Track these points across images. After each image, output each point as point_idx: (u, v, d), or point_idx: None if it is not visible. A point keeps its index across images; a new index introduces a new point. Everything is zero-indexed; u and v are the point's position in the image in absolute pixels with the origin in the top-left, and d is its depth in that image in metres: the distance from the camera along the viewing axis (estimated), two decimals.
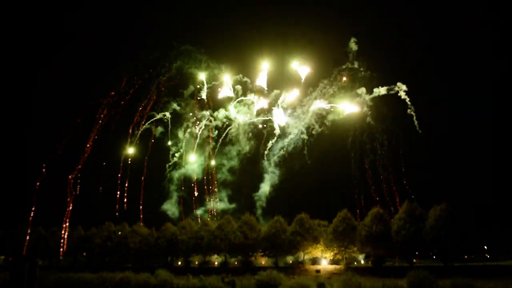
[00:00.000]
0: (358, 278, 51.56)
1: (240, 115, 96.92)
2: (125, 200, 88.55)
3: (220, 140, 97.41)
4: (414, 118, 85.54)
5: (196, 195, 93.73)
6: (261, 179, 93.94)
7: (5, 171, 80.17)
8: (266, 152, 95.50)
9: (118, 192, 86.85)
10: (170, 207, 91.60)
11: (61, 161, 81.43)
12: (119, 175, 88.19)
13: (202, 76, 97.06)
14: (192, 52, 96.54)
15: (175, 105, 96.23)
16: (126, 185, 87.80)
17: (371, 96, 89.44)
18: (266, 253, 73.80)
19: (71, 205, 79.02)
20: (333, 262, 71.48)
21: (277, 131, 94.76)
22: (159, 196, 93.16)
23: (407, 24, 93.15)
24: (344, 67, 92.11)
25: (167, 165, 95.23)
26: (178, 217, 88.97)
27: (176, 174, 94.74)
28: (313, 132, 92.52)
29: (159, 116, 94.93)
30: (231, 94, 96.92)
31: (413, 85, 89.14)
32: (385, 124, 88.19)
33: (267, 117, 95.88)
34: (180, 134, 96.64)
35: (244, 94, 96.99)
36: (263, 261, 77.49)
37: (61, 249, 77.03)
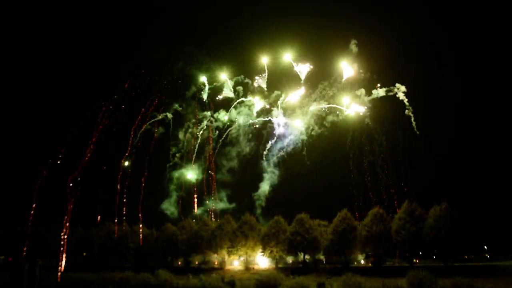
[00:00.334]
0: (358, 278, 51.61)
1: (240, 116, 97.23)
2: (125, 200, 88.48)
3: (220, 141, 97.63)
4: (412, 119, 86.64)
5: (196, 195, 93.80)
6: (260, 179, 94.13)
7: (5, 171, 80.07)
8: (265, 153, 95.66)
9: (118, 193, 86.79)
10: (170, 207, 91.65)
11: (62, 161, 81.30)
12: (119, 175, 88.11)
13: (203, 77, 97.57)
14: (194, 53, 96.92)
15: (176, 106, 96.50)
16: (127, 182, 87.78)
17: (370, 97, 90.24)
18: (266, 253, 73.63)
19: (71, 205, 78.92)
20: None
21: (277, 132, 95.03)
22: (159, 196, 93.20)
23: (407, 24, 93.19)
24: (343, 68, 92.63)
25: (167, 165, 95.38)
26: (178, 217, 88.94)
27: (176, 174, 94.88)
28: (313, 133, 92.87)
29: (160, 116, 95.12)
30: (232, 95, 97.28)
31: (413, 86, 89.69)
32: (384, 125, 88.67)
33: (267, 118, 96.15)
34: (181, 135, 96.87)
35: (245, 95, 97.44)
36: (263, 261, 77.36)
37: (62, 249, 77.03)
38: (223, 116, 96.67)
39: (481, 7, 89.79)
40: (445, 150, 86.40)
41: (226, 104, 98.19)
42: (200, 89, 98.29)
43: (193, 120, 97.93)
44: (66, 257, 75.50)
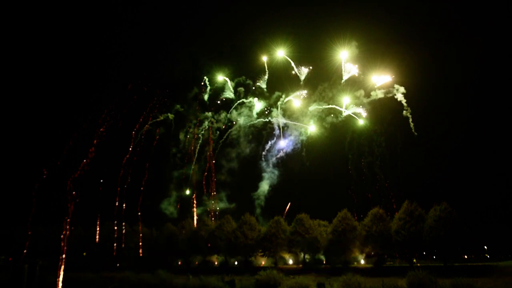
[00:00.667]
0: (358, 278, 51.60)
1: (241, 117, 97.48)
2: (125, 200, 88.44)
3: (221, 142, 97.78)
4: (410, 120, 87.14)
5: (195, 195, 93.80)
6: (260, 179, 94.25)
7: (5, 171, 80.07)
8: (265, 153, 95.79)
9: (118, 193, 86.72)
10: (170, 207, 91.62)
11: (63, 162, 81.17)
12: (120, 176, 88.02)
13: (205, 78, 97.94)
14: (196, 54, 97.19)
15: (178, 106, 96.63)
16: (128, 180, 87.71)
17: (370, 99, 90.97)
18: (266, 253, 73.70)
19: (71, 206, 78.82)
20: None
21: (277, 133, 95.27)
22: (159, 196, 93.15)
23: (407, 25, 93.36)
24: (343, 70, 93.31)
25: (167, 166, 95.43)
26: (178, 217, 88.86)
27: (176, 174, 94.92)
28: (312, 133, 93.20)
29: (161, 117, 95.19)
30: (232, 96, 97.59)
31: (412, 87, 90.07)
32: (383, 126, 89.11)
33: (267, 119, 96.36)
34: (182, 135, 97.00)
35: (246, 96, 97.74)
36: (263, 261, 77.49)
37: (62, 249, 76.94)
38: (223, 117, 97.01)
39: (481, 8, 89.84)
40: (445, 150, 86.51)
41: (227, 105, 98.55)
42: (202, 90, 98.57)
43: (194, 121, 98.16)
44: (66, 257, 75.48)
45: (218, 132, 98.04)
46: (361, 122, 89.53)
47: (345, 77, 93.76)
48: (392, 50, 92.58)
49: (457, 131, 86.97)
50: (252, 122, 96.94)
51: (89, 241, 79.87)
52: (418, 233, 63.94)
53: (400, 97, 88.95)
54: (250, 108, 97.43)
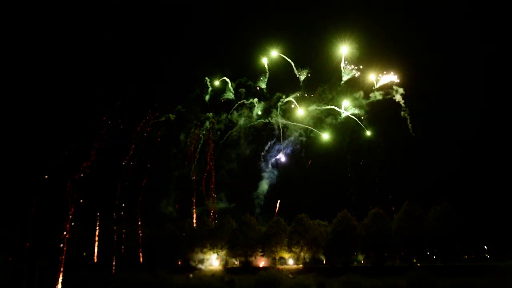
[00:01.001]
0: (358, 278, 51.63)
1: (241, 118, 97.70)
2: (125, 200, 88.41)
3: (221, 142, 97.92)
4: (408, 121, 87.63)
5: (195, 195, 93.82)
6: (260, 180, 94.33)
7: (6, 171, 79.97)
8: (265, 154, 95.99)
9: (118, 194, 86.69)
10: (170, 207, 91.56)
11: (64, 163, 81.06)
12: (120, 176, 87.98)
13: (206, 79, 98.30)
14: (197, 55, 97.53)
15: (179, 107, 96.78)
16: (128, 180, 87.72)
17: (369, 100, 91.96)
18: (266, 253, 73.76)
19: (71, 207, 78.79)
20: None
21: (276, 133, 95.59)
22: (159, 196, 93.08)
23: (405, 25, 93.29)
24: (342, 71, 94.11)
25: (168, 166, 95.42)
26: (178, 217, 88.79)
27: (176, 174, 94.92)
28: (312, 134, 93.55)
29: (163, 118, 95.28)
30: (233, 97, 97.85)
31: (411, 88, 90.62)
32: (382, 127, 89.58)
33: (267, 119, 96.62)
34: (182, 136, 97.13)
35: (247, 97, 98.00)
36: (263, 261, 77.52)
37: (62, 250, 76.95)
38: (224, 118, 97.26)
39: (480, 10, 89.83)
40: (444, 150, 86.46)
41: (228, 106, 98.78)
42: (203, 91, 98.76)
43: (195, 122, 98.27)
44: (65, 257, 75.51)
45: (218, 133, 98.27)
46: (367, 133, 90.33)
47: (345, 78, 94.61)
48: (391, 51, 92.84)
49: (456, 131, 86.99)
50: (252, 123, 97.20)
51: (89, 241, 79.84)
52: (418, 233, 64.01)
53: (398, 98, 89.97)
54: (251, 109, 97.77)
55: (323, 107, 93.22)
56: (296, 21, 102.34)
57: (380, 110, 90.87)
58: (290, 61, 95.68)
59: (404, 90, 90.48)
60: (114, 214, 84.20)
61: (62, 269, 70.80)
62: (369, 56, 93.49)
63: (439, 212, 64.62)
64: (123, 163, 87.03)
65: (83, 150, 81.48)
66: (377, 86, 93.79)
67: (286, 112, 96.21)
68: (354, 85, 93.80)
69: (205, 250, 75.65)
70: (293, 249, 71.49)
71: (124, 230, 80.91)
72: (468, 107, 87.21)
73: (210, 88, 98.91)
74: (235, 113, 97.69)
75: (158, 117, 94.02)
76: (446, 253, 64.39)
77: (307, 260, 72.85)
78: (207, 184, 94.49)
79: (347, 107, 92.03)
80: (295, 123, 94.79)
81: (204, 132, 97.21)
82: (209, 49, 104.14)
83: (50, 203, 79.13)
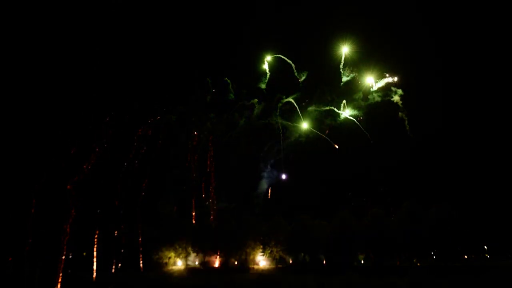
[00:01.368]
0: (358, 278, 51.70)
1: (242, 118, 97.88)
2: (124, 201, 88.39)
3: (221, 143, 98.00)
4: (406, 122, 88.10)
5: (195, 195, 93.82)
6: (260, 179, 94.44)
7: (6, 171, 79.91)
8: (265, 154, 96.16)
9: (119, 194, 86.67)
10: (169, 207, 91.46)
11: (64, 165, 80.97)
12: (120, 178, 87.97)
13: (207, 79, 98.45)
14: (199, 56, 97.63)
15: (180, 108, 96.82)
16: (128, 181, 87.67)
17: (368, 102, 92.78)
18: (266, 253, 73.87)
19: (71, 208, 78.78)
20: None
21: (277, 133, 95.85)
22: (159, 197, 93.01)
23: (403, 25, 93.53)
24: (342, 72, 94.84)
25: (168, 166, 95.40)
26: (178, 217, 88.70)
27: (176, 172, 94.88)
28: (311, 135, 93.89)
29: (164, 119, 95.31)
30: (235, 97, 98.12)
31: (410, 89, 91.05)
32: (380, 127, 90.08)
33: (268, 120, 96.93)
34: (183, 136, 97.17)
35: (248, 97, 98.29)
36: (262, 261, 77.53)
37: (62, 250, 76.94)
38: (225, 118, 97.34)
39: (478, 12, 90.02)
40: (444, 150, 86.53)
41: (228, 106, 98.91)
42: (205, 91, 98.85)
43: (197, 123, 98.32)
44: (65, 257, 75.53)
45: (219, 133, 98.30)
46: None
47: (344, 79, 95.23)
48: (390, 51, 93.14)
49: (455, 131, 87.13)
50: (252, 123, 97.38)
51: (89, 241, 79.72)
52: (418, 233, 64.10)
53: (397, 99, 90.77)
54: (251, 109, 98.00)
55: (322, 108, 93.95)
56: (296, 21, 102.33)
57: (378, 111, 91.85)
58: (290, 62, 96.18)
59: (403, 91, 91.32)
60: (114, 214, 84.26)
61: (62, 269, 70.87)
62: (368, 57, 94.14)
63: (439, 212, 64.71)
64: (124, 164, 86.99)
65: (84, 151, 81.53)
66: (375, 87, 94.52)
67: (286, 112, 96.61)
68: (353, 86, 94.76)
69: (205, 250, 75.85)
70: (293, 249, 71.77)
71: (124, 231, 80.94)
72: (466, 107, 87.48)
73: (211, 89, 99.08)
74: (236, 114, 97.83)
75: (158, 118, 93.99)
76: (446, 253, 64.44)
77: (307, 260, 72.94)
78: (207, 184, 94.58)
79: (345, 109, 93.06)
80: (295, 124, 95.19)
81: (205, 132, 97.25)
82: (209, 49, 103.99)
83: (50, 203, 79.15)
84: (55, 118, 79.80)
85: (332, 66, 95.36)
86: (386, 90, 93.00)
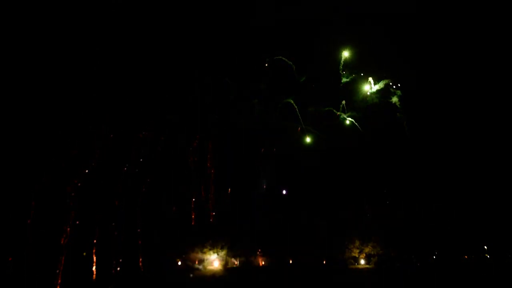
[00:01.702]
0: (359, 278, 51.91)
1: (242, 118, 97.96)
2: (124, 201, 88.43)
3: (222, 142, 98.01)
4: (405, 123, 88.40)
5: (195, 195, 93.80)
6: (259, 179, 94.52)
7: (5, 171, 79.92)
8: (263, 154, 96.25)
9: (119, 195, 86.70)
10: (170, 207, 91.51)
11: (64, 166, 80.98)
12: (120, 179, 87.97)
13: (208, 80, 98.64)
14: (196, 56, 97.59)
15: (181, 109, 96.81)
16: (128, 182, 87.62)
17: (366, 102, 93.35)
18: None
19: (71, 210, 78.85)
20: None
21: (276, 133, 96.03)
22: (159, 197, 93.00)
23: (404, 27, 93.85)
24: (341, 73, 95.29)
25: (168, 166, 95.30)
26: (178, 217, 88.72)
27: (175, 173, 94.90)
28: (310, 135, 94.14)
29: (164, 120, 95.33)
30: (235, 98, 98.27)
31: (408, 89, 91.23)
32: (379, 128, 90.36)
33: (266, 120, 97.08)
34: (183, 137, 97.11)
35: (247, 98, 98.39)
36: (262, 261, 77.81)
37: (62, 250, 76.96)
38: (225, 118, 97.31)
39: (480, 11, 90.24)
40: (442, 150, 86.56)
41: (229, 107, 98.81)
42: (205, 91, 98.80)
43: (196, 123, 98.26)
44: (65, 257, 75.55)
45: (218, 133, 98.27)
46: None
47: (343, 80, 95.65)
48: (390, 52, 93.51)
49: (455, 131, 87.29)
50: (252, 124, 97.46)
51: (88, 241, 79.74)
52: (418, 233, 64.37)
53: (395, 100, 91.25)
54: (251, 109, 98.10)
55: (321, 109, 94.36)
56: (296, 22, 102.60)
57: (377, 112, 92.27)
58: (290, 62, 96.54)
59: (402, 92, 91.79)
60: (114, 214, 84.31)
61: (61, 269, 70.92)
62: (368, 58, 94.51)
63: (439, 212, 65.00)
64: (125, 164, 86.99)
65: (84, 151, 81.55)
66: (375, 88, 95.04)
67: (285, 112, 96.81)
68: (352, 87, 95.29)
69: (205, 250, 76.12)
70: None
71: (124, 231, 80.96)
72: (465, 108, 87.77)
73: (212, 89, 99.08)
74: (236, 114, 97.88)
75: (159, 119, 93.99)
76: (446, 253, 64.62)
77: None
78: (207, 184, 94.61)
79: (344, 109, 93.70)
80: (294, 124, 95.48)
81: (205, 133, 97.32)
82: (208, 49, 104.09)
83: (50, 203, 79.21)
84: (55, 118, 79.87)
85: (332, 67, 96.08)
86: (385, 91, 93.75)
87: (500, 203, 74.28)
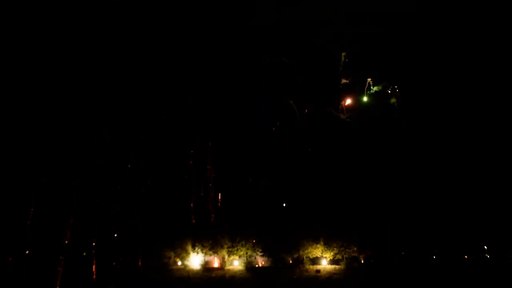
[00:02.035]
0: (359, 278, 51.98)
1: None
2: (124, 201, 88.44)
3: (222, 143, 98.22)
4: (403, 124, 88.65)
5: (195, 195, 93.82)
6: (258, 179, 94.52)
7: (5, 171, 79.94)
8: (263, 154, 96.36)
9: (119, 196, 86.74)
10: (170, 207, 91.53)
11: (64, 166, 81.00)
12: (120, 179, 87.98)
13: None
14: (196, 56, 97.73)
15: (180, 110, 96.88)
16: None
17: (364, 103, 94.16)
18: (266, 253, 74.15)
19: (71, 211, 78.86)
20: (333, 262, 71.55)
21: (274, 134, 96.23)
22: (159, 197, 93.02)
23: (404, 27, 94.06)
24: (341, 74, 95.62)
25: (168, 167, 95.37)
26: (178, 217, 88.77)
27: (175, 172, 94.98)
28: (309, 136, 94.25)
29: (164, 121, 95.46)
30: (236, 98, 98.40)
31: (406, 90, 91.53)
32: (377, 128, 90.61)
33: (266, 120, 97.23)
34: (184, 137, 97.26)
35: (248, 98, 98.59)
36: (262, 261, 77.69)
37: (62, 250, 76.97)
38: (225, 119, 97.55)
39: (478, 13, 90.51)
40: (442, 150, 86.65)
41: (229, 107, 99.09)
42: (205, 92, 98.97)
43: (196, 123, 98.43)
44: (65, 257, 75.55)
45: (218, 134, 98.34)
46: None
47: (343, 81, 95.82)
48: (389, 53, 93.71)
49: (455, 130, 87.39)
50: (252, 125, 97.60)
51: (88, 241, 79.74)
52: (418, 233, 64.44)
53: (394, 101, 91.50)
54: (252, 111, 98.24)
55: (320, 110, 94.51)
56: (296, 22, 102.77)
57: (375, 113, 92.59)
58: (291, 64, 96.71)
59: (401, 93, 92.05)
60: (114, 214, 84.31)
61: (61, 269, 70.91)
62: (367, 59, 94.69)
63: (438, 212, 65.09)
64: (126, 164, 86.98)
65: (84, 152, 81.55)
66: (373, 89, 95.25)
67: (285, 113, 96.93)
68: (351, 88, 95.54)
69: (205, 250, 75.93)
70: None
71: (123, 231, 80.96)
72: (464, 108, 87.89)
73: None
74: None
75: (160, 120, 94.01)
76: (446, 253, 64.66)
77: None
78: (206, 185, 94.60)
79: (343, 109, 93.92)
80: (293, 124, 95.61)
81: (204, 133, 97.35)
82: (208, 49, 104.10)
83: (50, 203, 79.21)
84: (55, 118, 79.90)
85: (331, 68, 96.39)
86: (384, 92, 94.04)
87: (500, 203, 74.25)
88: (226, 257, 75.50)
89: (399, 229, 70.33)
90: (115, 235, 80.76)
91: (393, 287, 59.86)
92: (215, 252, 75.80)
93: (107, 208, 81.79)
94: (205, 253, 76.72)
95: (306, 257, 71.22)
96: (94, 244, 79.38)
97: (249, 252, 74.33)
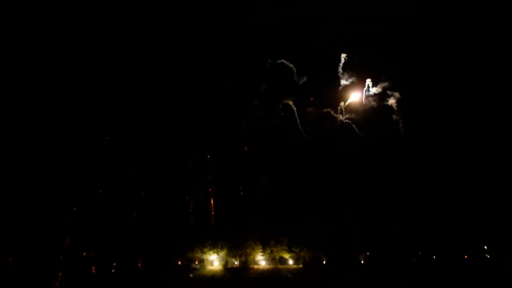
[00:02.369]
0: (359, 277, 51.96)
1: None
2: (124, 201, 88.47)
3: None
4: (400, 125, 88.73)
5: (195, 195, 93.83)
6: (258, 178, 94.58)
7: (5, 172, 79.96)
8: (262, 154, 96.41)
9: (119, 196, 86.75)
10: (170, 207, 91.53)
11: (64, 166, 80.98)
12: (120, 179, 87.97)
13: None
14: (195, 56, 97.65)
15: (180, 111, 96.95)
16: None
17: (364, 104, 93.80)
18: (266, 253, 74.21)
19: (70, 211, 78.88)
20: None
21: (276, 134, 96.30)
22: (159, 197, 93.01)
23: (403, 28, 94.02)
24: (341, 75, 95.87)
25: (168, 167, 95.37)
26: (178, 217, 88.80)
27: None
28: (308, 137, 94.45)
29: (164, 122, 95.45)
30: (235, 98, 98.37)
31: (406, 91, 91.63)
32: (376, 130, 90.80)
33: (267, 121, 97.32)
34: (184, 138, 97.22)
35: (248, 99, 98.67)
36: (262, 261, 77.74)
37: (62, 251, 76.93)
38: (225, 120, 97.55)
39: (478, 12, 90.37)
40: (441, 150, 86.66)
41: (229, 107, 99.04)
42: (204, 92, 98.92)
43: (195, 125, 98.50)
44: (65, 257, 75.54)
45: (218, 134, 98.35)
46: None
47: (343, 82, 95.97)
48: (389, 53, 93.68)
49: (455, 131, 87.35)
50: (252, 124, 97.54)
51: (88, 241, 79.75)
52: (418, 233, 64.41)
53: (393, 102, 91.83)
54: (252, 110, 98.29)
55: (320, 111, 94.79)
56: (296, 23, 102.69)
57: (374, 114, 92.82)
58: (291, 65, 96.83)
59: (400, 93, 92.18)
60: (114, 214, 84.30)
61: (62, 269, 70.93)
62: (367, 60, 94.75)
63: (438, 212, 65.06)
64: (126, 164, 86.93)
65: (84, 152, 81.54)
66: (373, 90, 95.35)
67: (285, 113, 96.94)
68: (351, 89, 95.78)
69: (205, 250, 76.09)
70: (293, 249, 71.96)
71: (123, 231, 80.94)
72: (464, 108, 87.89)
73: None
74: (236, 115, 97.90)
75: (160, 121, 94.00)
76: (446, 253, 64.59)
77: (307, 260, 73.13)
78: (206, 185, 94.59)
79: (343, 110, 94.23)
80: (293, 125, 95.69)
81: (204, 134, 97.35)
82: (208, 49, 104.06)
83: (50, 203, 79.22)
84: (55, 118, 79.90)
85: (331, 68, 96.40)
86: (383, 93, 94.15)
87: (500, 203, 74.26)
88: (226, 257, 75.70)
89: (399, 229, 70.44)
90: (115, 235, 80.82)
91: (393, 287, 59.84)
92: (215, 252, 76.03)
93: (107, 208, 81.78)
94: (205, 253, 76.94)
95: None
96: (94, 244, 79.50)
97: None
